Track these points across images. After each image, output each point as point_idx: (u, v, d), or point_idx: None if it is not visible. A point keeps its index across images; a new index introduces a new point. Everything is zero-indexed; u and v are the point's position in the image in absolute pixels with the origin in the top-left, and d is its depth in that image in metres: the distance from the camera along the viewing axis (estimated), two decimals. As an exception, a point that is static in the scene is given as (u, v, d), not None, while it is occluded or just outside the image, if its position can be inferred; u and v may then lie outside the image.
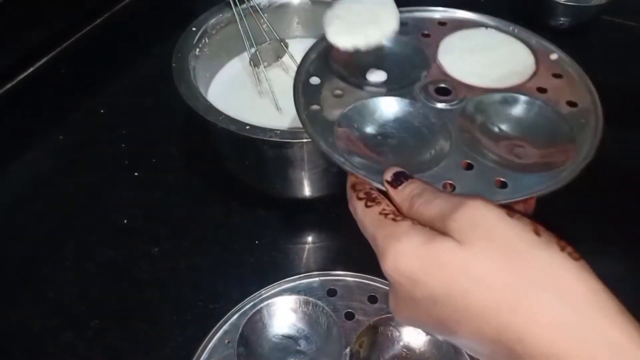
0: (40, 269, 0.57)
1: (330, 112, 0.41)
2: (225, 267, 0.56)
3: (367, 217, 0.34)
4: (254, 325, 0.49)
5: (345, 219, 0.59)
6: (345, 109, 0.41)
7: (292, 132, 0.52)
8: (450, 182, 0.36)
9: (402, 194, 0.34)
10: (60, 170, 0.67)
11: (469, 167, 0.37)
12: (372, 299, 0.50)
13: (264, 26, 0.65)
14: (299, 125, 0.55)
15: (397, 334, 0.48)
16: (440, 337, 0.34)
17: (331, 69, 0.44)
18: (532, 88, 0.42)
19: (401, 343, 0.48)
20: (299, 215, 0.61)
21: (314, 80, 0.44)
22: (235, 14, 0.64)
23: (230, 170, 0.64)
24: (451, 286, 0.30)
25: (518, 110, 0.42)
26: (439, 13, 0.49)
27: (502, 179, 0.36)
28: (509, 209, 0.31)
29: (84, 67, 0.78)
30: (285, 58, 0.66)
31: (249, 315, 0.48)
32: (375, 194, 0.36)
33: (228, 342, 0.48)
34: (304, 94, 0.42)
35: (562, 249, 0.29)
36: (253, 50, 0.63)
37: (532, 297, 0.28)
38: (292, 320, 0.50)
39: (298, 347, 0.48)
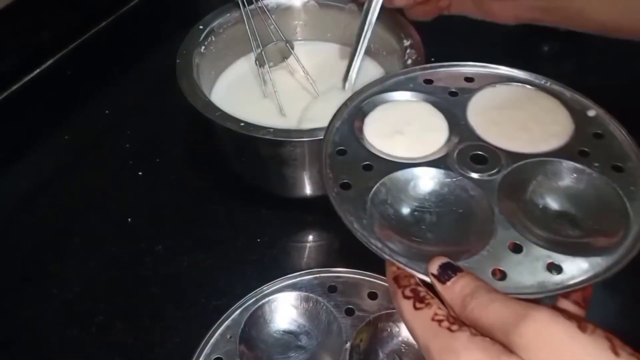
0: (45, 266, 0.58)
1: (361, 187, 0.38)
2: (227, 265, 0.57)
3: (417, 321, 0.31)
4: (256, 320, 0.49)
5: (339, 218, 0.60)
6: (377, 184, 0.38)
7: (286, 131, 0.53)
8: (499, 268, 0.33)
9: (452, 292, 0.31)
10: (65, 170, 0.68)
11: (517, 248, 0.34)
12: (372, 296, 0.51)
13: (271, 27, 0.66)
14: (302, 126, 0.56)
15: (397, 329, 0.49)
16: None
17: (357, 137, 0.42)
18: (573, 151, 0.39)
19: (400, 338, 0.48)
20: (300, 213, 0.62)
21: (341, 150, 0.40)
22: (243, 14, 0.65)
23: (233, 169, 0.65)
24: None
25: (563, 179, 0.39)
26: (466, 68, 0.46)
27: (554, 262, 0.33)
28: (581, 321, 0.28)
29: (89, 69, 0.79)
30: (291, 60, 0.67)
31: (250, 311, 0.49)
32: (423, 292, 0.32)
33: (230, 337, 0.48)
34: (332, 167, 0.39)
35: None
36: (259, 50, 0.64)
37: None
38: (293, 316, 0.50)
39: (299, 343, 0.49)
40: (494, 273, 0.33)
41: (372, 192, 0.37)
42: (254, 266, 0.57)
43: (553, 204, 0.38)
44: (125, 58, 0.82)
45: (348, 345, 0.47)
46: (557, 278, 0.32)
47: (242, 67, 0.70)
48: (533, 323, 0.27)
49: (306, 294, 0.50)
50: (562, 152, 0.39)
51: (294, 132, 0.53)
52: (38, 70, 0.78)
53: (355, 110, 0.43)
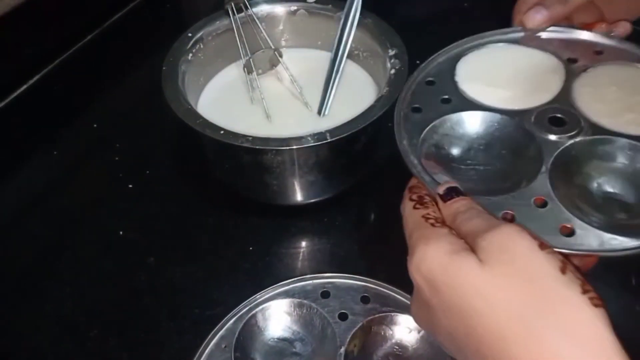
0: (37, 282, 0.58)
1: (429, 115, 0.41)
2: (220, 274, 0.57)
3: (411, 217, 0.36)
4: (250, 329, 0.49)
5: (336, 223, 0.61)
6: (443, 117, 0.41)
7: (264, 139, 0.53)
8: (512, 212, 0.35)
9: (449, 208, 0.35)
10: (55, 185, 0.68)
11: (543, 204, 0.35)
12: (365, 300, 0.51)
13: (261, 35, 0.66)
14: (288, 134, 0.57)
15: (390, 332, 0.49)
16: (448, 352, 0.34)
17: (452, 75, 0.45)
18: None
19: (393, 341, 0.49)
20: (290, 220, 0.62)
21: (430, 81, 0.45)
22: (232, 22, 0.65)
23: (221, 178, 0.65)
24: (465, 303, 0.30)
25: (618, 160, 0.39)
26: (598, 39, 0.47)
27: (569, 226, 0.34)
28: (543, 242, 0.31)
29: (76, 83, 0.79)
30: (280, 67, 0.67)
31: (244, 320, 0.49)
32: (427, 199, 0.37)
33: (225, 346, 0.48)
34: (413, 93, 0.43)
35: (584, 292, 0.28)
36: (247, 57, 0.64)
37: (542, 332, 0.28)
38: (287, 323, 0.50)
39: (294, 349, 0.49)
40: (504, 216, 0.35)
41: (435, 122, 0.40)
42: (247, 275, 0.57)
43: (609, 186, 0.38)
44: (112, 71, 0.82)
45: (342, 350, 0.47)
46: (565, 239, 0.34)
47: (231, 74, 0.70)
48: (499, 233, 0.31)
49: (299, 300, 0.51)
50: None
51: (273, 141, 0.53)
52: (24, 87, 0.78)
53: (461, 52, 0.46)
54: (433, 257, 0.32)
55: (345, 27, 0.63)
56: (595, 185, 0.38)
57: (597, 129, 0.39)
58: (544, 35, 0.48)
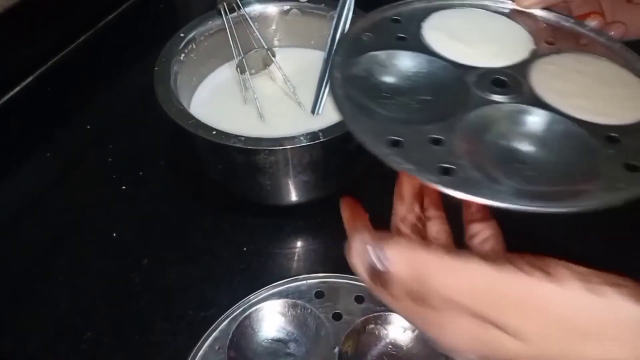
0: (32, 285, 0.58)
1: (378, 44, 0.40)
2: (214, 275, 0.57)
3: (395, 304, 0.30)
4: (244, 330, 0.49)
5: (330, 223, 0.61)
6: (384, 51, 0.40)
7: (256, 139, 0.53)
8: (401, 138, 0.33)
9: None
10: (49, 188, 0.68)
11: (436, 141, 0.34)
12: (359, 299, 0.51)
13: (254, 34, 0.66)
14: (281, 134, 0.57)
15: (385, 332, 0.49)
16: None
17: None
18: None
19: (388, 340, 0.49)
20: (284, 220, 0.62)
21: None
22: (225, 22, 0.65)
23: (215, 179, 0.65)
24: None
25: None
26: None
27: (450, 167, 0.32)
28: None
29: (69, 85, 0.79)
30: (273, 67, 0.67)
31: (238, 321, 0.49)
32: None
33: (219, 348, 0.48)
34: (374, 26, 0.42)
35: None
36: (240, 57, 0.64)
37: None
38: (281, 323, 0.51)
39: (288, 350, 0.49)
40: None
41: (379, 52, 0.39)
42: (241, 275, 0.57)
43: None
44: (105, 72, 0.82)
45: (337, 350, 0.48)
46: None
47: (224, 75, 0.70)
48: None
49: (293, 300, 0.51)
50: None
51: (265, 141, 0.53)
52: (18, 88, 0.78)
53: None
54: (459, 343, 0.29)
55: (339, 26, 0.63)
56: (502, 145, 0.36)
57: (537, 101, 0.38)
58: (533, 14, 0.47)
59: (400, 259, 0.28)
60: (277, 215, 0.63)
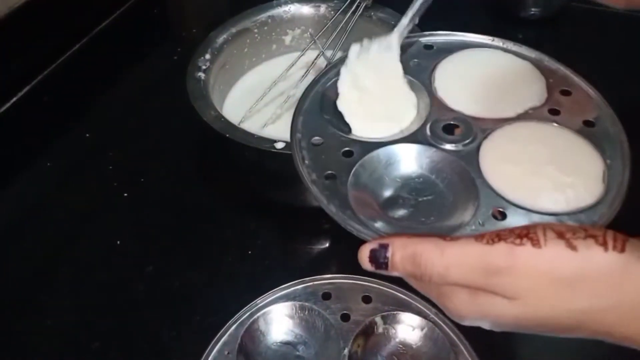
0: (36, 296, 0.57)
1: (343, 174, 0.39)
2: (220, 280, 0.57)
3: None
4: (252, 334, 0.49)
5: (334, 225, 0.61)
6: (355, 166, 0.39)
7: (267, 139, 0.54)
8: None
9: (398, 269, 0.33)
10: (49, 197, 0.67)
11: (502, 216, 0.35)
12: (366, 299, 0.51)
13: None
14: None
15: (393, 331, 0.49)
16: None
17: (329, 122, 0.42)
18: (543, 112, 0.41)
19: (397, 340, 0.48)
20: (288, 223, 0.62)
21: (316, 140, 0.41)
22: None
23: (218, 184, 0.65)
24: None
25: None
26: (424, 38, 0.47)
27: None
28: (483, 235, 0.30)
29: (66, 94, 0.79)
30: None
31: (246, 325, 0.49)
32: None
33: (228, 353, 0.48)
34: (311, 158, 0.40)
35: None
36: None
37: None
38: (289, 326, 0.50)
39: (297, 353, 0.49)
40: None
41: (351, 176, 0.38)
42: (247, 279, 0.57)
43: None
44: (101, 80, 0.81)
45: (346, 351, 0.47)
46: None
47: (254, 78, 0.71)
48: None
49: (300, 303, 0.51)
50: (534, 115, 0.41)
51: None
52: (14, 99, 0.77)
53: (318, 97, 0.44)
54: (462, 312, 0.32)
55: None
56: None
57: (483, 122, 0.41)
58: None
59: (397, 244, 0.32)
60: (280, 218, 0.62)
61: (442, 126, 0.40)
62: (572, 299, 0.29)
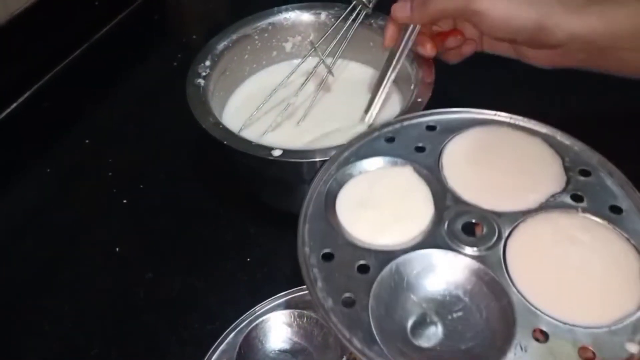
0: (35, 302, 0.58)
1: (361, 295, 0.34)
2: (218, 287, 0.57)
3: None
4: (251, 342, 0.49)
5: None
6: (373, 285, 0.34)
7: (265, 147, 0.54)
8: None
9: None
10: (48, 203, 0.67)
11: (544, 336, 0.31)
12: (365, 307, 0.51)
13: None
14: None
15: (391, 339, 0.49)
16: None
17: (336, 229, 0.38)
18: (566, 199, 0.37)
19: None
20: (287, 230, 0.62)
21: (326, 252, 0.37)
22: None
23: (217, 191, 0.65)
24: None
25: None
26: (425, 117, 0.44)
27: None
28: None
29: (65, 100, 0.79)
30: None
31: (245, 333, 0.49)
32: None
33: (226, 360, 0.48)
34: (324, 278, 0.35)
35: None
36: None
37: None
38: (287, 334, 0.50)
39: (295, 361, 0.49)
40: None
41: (370, 299, 0.34)
42: (246, 286, 0.57)
43: None
44: (101, 86, 0.81)
45: (344, 358, 0.47)
46: None
47: (254, 85, 0.71)
48: None
49: (299, 311, 0.50)
50: (558, 202, 0.37)
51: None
52: (14, 105, 0.77)
53: (320, 200, 0.41)
54: None
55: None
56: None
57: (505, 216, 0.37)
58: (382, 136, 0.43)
59: None
60: (279, 225, 0.62)
61: (461, 226, 0.36)
62: None
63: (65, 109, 0.78)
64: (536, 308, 0.32)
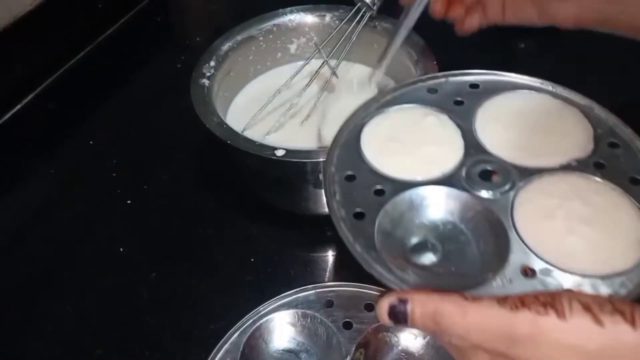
0: (38, 302, 0.58)
1: (371, 213, 0.36)
2: (222, 287, 0.57)
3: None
4: (255, 342, 0.49)
5: (336, 233, 0.61)
6: (384, 206, 0.37)
7: (269, 147, 0.54)
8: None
9: (417, 323, 0.32)
10: (53, 204, 0.67)
11: (532, 273, 0.33)
12: (369, 307, 0.51)
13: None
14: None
15: (395, 339, 0.49)
16: None
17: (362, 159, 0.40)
18: (588, 164, 0.38)
19: (400, 347, 0.48)
20: (291, 231, 0.62)
21: (349, 174, 0.39)
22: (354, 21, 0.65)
23: (221, 191, 0.65)
24: None
25: None
26: (471, 76, 0.45)
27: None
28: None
29: (69, 101, 0.79)
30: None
31: (248, 333, 0.49)
32: None
33: (230, 360, 0.48)
34: (342, 193, 0.37)
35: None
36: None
37: None
38: (291, 334, 0.50)
39: (299, 361, 0.49)
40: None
41: (378, 221, 0.36)
42: (249, 286, 0.57)
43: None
44: (104, 88, 0.81)
45: (348, 359, 0.47)
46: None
47: (258, 86, 0.71)
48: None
49: (303, 310, 0.51)
50: (578, 167, 0.38)
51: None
52: (19, 106, 0.78)
53: (356, 131, 0.42)
54: None
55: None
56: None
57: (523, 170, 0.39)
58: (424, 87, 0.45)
59: (417, 300, 0.31)
60: (283, 226, 0.62)
61: (479, 172, 0.38)
62: None
63: (70, 110, 0.78)
64: (530, 249, 0.34)
